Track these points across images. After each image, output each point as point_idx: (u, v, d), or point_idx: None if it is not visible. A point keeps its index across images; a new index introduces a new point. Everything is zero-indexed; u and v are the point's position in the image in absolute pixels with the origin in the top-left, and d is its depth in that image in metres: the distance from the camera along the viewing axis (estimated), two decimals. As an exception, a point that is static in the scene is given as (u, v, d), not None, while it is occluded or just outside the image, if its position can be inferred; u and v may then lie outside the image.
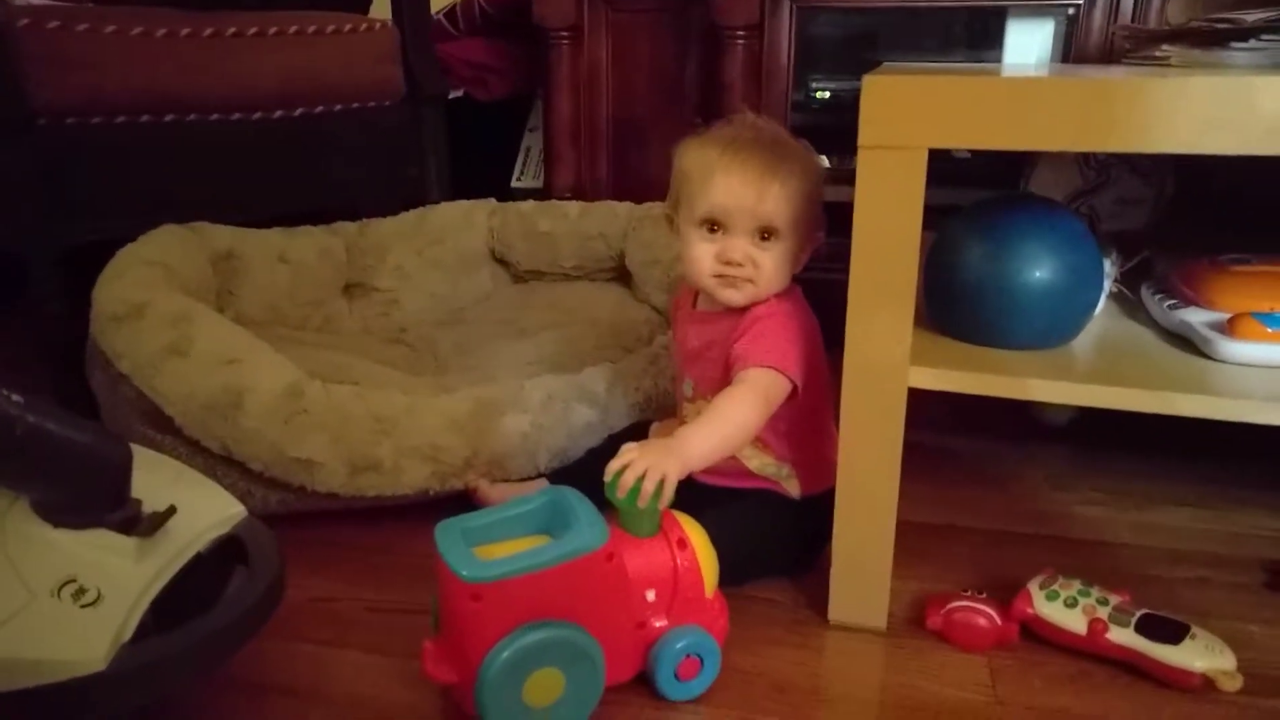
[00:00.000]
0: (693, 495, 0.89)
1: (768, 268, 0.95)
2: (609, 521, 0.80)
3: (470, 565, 0.74)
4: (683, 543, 0.84)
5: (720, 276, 0.96)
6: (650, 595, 0.82)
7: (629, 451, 0.83)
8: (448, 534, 0.78)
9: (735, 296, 0.97)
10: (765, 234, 0.94)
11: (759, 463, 1.01)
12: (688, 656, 0.82)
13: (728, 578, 0.91)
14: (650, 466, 0.81)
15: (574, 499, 0.81)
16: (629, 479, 0.80)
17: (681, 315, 1.08)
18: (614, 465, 0.82)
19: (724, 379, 0.96)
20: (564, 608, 0.77)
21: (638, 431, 1.16)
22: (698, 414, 0.98)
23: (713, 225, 0.95)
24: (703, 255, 0.96)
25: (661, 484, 0.81)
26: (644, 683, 0.84)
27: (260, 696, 0.85)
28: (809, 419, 1.00)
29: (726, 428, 0.91)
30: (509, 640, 0.74)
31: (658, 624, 0.83)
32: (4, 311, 1.43)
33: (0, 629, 0.60)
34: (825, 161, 1.01)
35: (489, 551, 0.77)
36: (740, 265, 0.94)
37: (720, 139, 0.96)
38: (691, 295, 1.06)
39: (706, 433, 0.90)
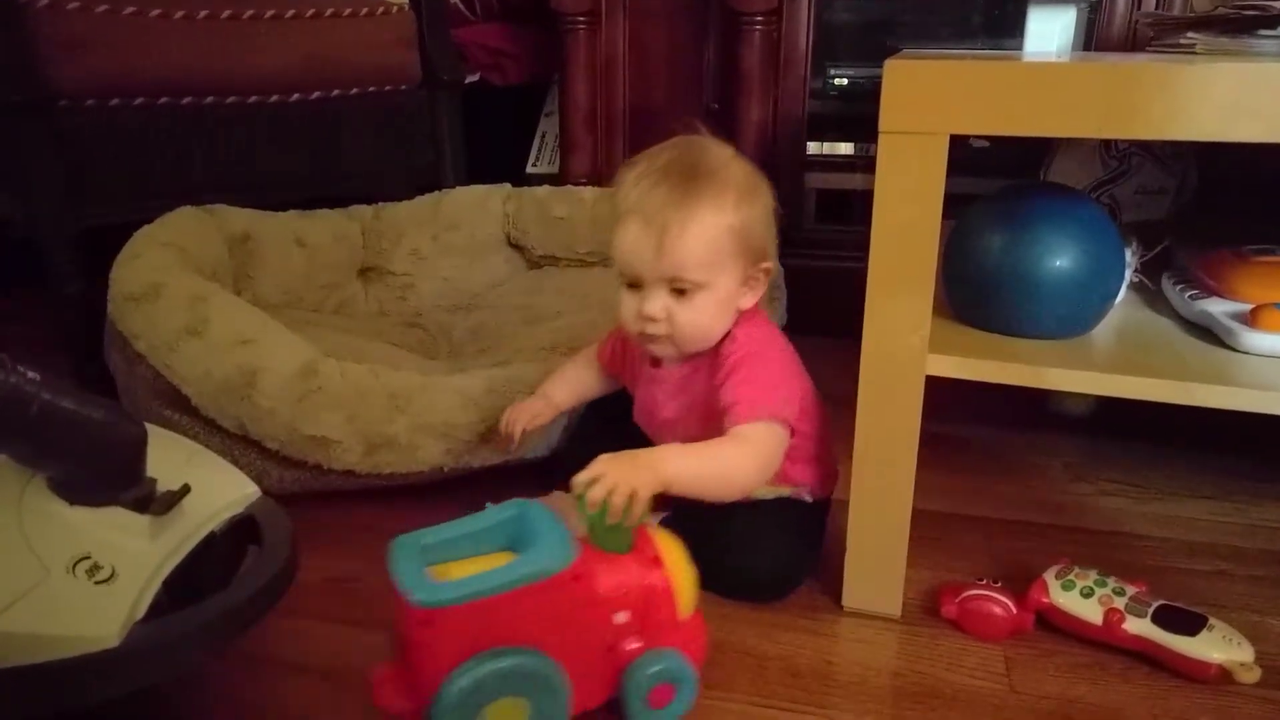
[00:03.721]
0: (707, 505, 0.86)
1: (685, 323, 0.89)
2: (578, 537, 0.76)
3: (423, 588, 0.68)
4: (656, 561, 0.77)
5: (642, 334, 0.91)
6: (620, 617, 0.75)
7: (600, 463, 0.76)
8: (403, 551, 0.72)
9: (661, 352, 0.93)
10: (677, 289, 0.88)
11: (772, 491, 0.95)
12: (660, 683, 0.76)
13: (775, 592, 0.91)
14: (620, 480, 0.75)
15: (540, 514, 0.76)
16: (598, 494, 0.74)
17: (643, 377, 1.00)
18: (582, 477, 0.75)
19: (715, 429, 0.89)
20: (526, 632, 0.71)
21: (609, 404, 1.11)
22: None
23: (629, 280, 0.90)
24: (626, 311, 0.91)
25: (633, 499, 0.75)
26: (615, 709, 0.78)
27: (274, 674, 0.86)
28: (815, 443, 0.96)
29: (715, 467, 0.85)
30: (464, 669, 0.68)
31: (629, 647, 0.76)
32: (23, 293, 1.44)
33: (15, 604, 0.60)
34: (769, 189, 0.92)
35: (447, 571, 0.72)
36: (657, 321, 0.89)
37: (631, 176, 0.88)
38: (648, 353, 0.97)
39: (692, 461, 0.84)
